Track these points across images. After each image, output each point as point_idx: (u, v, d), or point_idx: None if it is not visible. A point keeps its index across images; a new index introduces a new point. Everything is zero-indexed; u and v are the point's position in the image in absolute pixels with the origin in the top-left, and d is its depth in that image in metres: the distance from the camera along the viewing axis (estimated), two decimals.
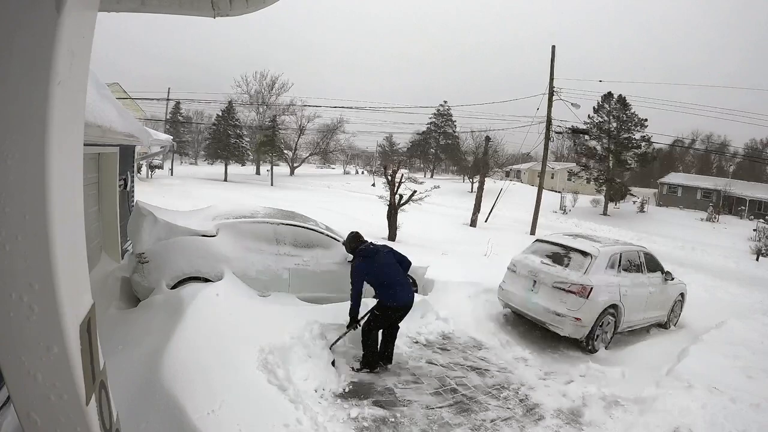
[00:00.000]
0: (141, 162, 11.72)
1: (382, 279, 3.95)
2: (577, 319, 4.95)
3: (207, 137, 40.15)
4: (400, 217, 11.92)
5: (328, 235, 5.29)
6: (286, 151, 40.22)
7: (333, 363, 3.88)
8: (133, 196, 7.02)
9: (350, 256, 5.19)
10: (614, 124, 31.34)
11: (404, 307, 4.02)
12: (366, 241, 4.21)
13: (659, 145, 32.39)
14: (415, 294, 5.70)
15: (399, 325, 4.17)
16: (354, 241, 4.22)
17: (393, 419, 3.31)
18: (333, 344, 4.05)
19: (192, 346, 3.18)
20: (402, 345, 4.70)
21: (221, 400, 2.71)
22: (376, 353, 4.01)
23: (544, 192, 19.00)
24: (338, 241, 5.31)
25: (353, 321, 4.02)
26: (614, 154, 31.56)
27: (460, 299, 6.00)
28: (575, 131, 22.62)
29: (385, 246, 4.25)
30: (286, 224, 5.08)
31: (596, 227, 21.57)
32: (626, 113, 31.05)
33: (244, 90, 40.67)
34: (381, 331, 4.08)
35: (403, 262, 4.19)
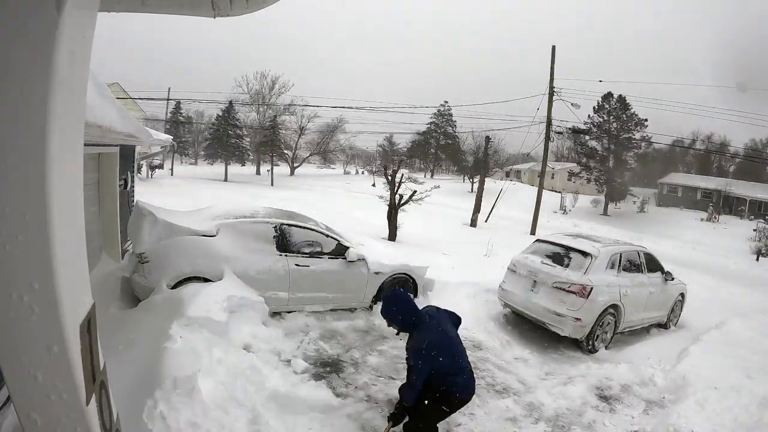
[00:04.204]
0: (141, 162, 11.72)
1: (454, 358, 2.78)
2: (577, 319, 4.95)
3: (207, 137, 40.16)
4: (400, 217, 11.92)
5: (328, 235, 5.29)
6: (286, 151, 40.21)
7: None
8: (133, 196, 7.02)
9: (350, 256, 5.18)
10: (614, 124, 31.35)
11: (469, 398, 2.90)
12: (413, 302, 2.98)
13: (659, 145, 32.43)
14: (413, 297, 5.76)
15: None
16: (406, 306, 2.90)
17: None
18: None
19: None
20: (400, 344, 4.70)
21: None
22: None
23: (545, 192, 19.00)
24: (338, 241, 5.31)
25: (401, 415, 2.95)
26: (614, 154, 31.56)
27: (460, 299, 6.00)
28: (575, 131, 22.63)
29: (437, 308, 3.14)
30: (287, 224, 5.08)
31: (596, 227, 21.57)
32: (626, 113, 31.06)
33: (244, 90, 40.70)
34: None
35: (456, 323, 3.15)
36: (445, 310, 3.15)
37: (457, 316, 3.22)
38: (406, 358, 2.90)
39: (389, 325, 2.96)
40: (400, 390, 2.97)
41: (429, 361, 2.66)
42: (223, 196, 18.32)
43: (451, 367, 2.74)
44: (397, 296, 2.96)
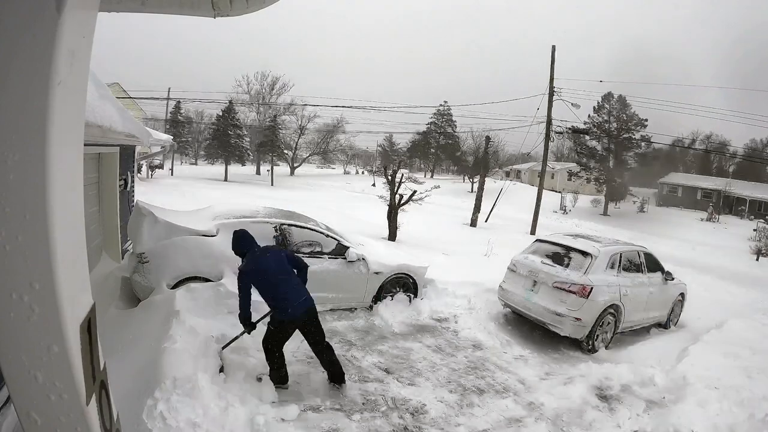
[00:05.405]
0: (141, 162, 11.74)
1: (269, 289, 3.43)
2: (578, 319, 4.95)
3: (207, 137, 40.17)
4: (401, 217, 11.92)
5: (328, 235, 5.29)
6: (286, 151, 40.22)
7: (221, 370, 3.38)
8: (133, 196, 7.02)
9: (350, 256, 5.20)
10: (614, 124, 31.36)
11: (299, 319, 3.46)
12: (255, 244, 3.60)
13: (659, 145, 32.41)
14: (413, 297, 5.74)
15: (319, 339, 3.60)
16: (240, 243, 3.57)
17: (392, 420, 3.32)
18: (225, 345, 3.61)
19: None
20: (400, 344, 4.70)
21: None
22: (283, 368, 3.52)
23: (545, 192, 18.99)
24: (338, 241, 5.32)
25: (247, 325, 3.50)
26: (614, 154, 31.58)
27: (460, 299, 6.00)
28: (575, 131, 22.64)
29: (276, 249, 3.75)
30: (287, 224, 5.08)
31: (596, 227, 21.56)
32: (626, 113, 31.07)
33: (244, 90, 40.71)
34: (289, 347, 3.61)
35: (299, 265, 3.67)
36: (285, 252, 3.75)
37: (301, 261, 3.74)
38: None
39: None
40: None
41: (241, 281, 3.37)
42: (224, 196, 18.32)
43: (268, 292, 3.43)
44: (243, 232, 3.65)
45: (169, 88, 35.98)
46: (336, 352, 4.06)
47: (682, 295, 6.74)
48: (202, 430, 2.60)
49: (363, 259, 5.30)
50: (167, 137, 9.42)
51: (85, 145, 1.13)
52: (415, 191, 12.41)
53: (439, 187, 14.80)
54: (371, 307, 5.47)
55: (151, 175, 26.68)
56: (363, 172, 49.95)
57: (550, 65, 17.39)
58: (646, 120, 30.63)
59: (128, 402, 2.58)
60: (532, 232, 16.46)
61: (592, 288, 4.99)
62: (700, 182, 36.09)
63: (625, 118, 30.99)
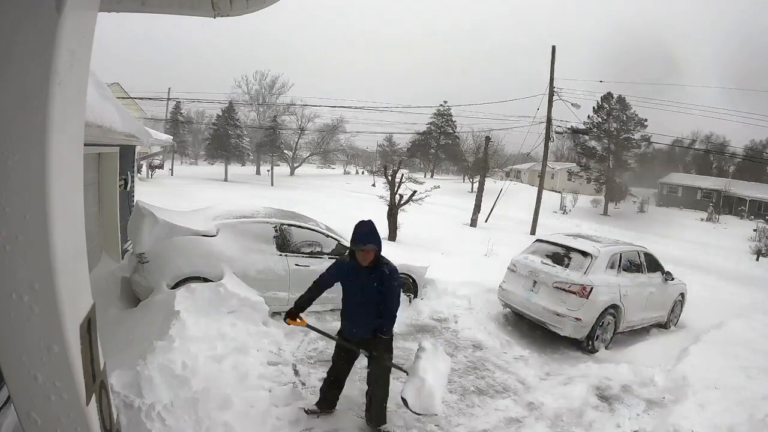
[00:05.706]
0: (141, 162, 11.75)
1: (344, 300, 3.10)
2: (578, 319, 4.95)
3: (207, 137, 40.19)
4: (401, 217, 11.92)
5: (328, 235, 5.29)
6: (286, 151, 40.23)
7: None
8: (133, 196, 7.02)
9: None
10: (614, 125, 31.39)
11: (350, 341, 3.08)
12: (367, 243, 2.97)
13: (659, 146, 32.46)
14: (413, 297, 5.74)
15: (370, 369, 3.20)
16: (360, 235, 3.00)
17: (392, 420, 3.31)
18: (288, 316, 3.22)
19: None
20: (400, 344, 4.70)
21: None
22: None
23: (545, 192, 18.98)
24: (338, 241, 5.31)
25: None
26: (614, 154, 31.60)
27: (460, 299, 6.00)
28: (575, 131, 22.66)
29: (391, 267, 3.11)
30: (287, 224, 5.08)
31: (596, 227, 21.55)
32: (626, 113, 31.10)
33: (244, 90, 40.73)
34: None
35: (386, 301, 3.07)
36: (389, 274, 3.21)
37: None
38: (380, 287, 3.01)
39: (365, 250, 2.94)
40: (387, 318, 3.13)
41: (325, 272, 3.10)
42: (224, 196, 18.30)
43: None
44: (371, 222, 3.06)
45: (169, 89, 35.95)
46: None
47: (682, 295, 6.74)
48: (202, 430, 2.60)
49: None
50: (167, 137, 9.43)
51: (85, 145, 1.13)
52: (415, 191, 12.41)
53: (439, 187, 14.79)
54: None
55: (151, 175, 26.69)
56: (363, 172, 49.89)
57: (550, 65, 17.40)
58: (646, 120, 30.71)
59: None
60: (532, 232, 16.45)
61: (592, 288, 4.99)
62: (700, 182, 36.10)
63: (624, 119, 31.03)
